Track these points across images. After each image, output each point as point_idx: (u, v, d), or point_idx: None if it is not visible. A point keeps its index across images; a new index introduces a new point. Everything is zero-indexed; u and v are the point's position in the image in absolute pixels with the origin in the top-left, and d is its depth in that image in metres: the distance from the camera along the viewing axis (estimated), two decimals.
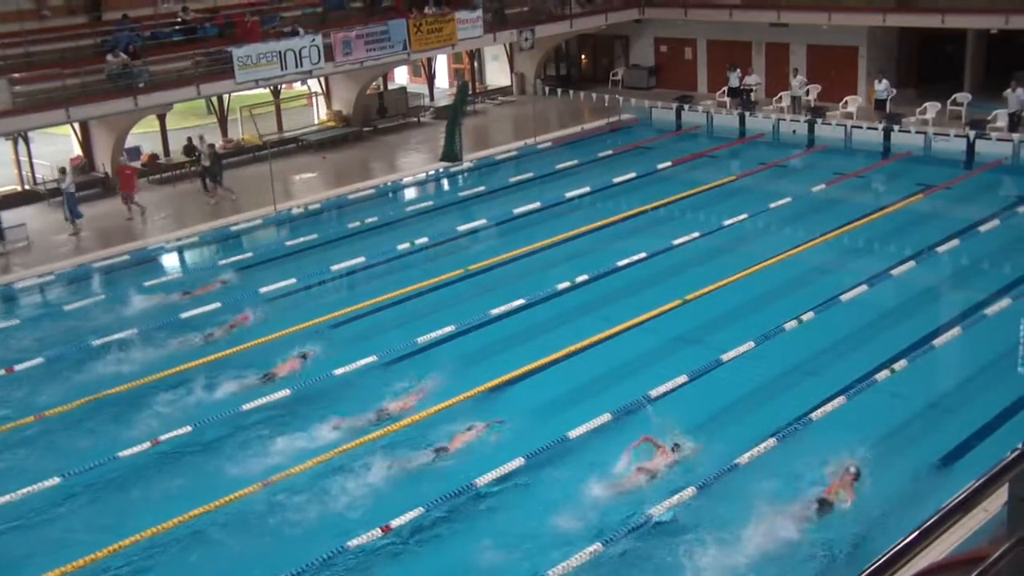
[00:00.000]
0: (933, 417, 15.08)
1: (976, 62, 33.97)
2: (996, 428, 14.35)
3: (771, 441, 13.90)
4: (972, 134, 29.58)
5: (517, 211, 25.90)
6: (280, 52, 29.51)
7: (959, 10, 32.04)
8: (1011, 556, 3.66)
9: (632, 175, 28.91)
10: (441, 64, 42.54)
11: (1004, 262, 21.58)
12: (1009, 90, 29.82)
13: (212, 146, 28.82)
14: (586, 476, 13.35)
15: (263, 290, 21.05)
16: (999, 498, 3.96)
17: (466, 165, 30.99)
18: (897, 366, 16.17)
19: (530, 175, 29.61)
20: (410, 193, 29.80)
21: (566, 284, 20.65)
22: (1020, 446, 3.83)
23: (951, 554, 4.94)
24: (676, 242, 22.99)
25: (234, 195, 27.80)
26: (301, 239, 24.67)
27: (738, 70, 35.90)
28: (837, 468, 12.88)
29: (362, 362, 17.26)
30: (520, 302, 19.77)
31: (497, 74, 42.15)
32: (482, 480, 13.37)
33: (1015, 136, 29.12)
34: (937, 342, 17.12)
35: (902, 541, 3.48)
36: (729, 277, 20.58)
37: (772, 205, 25.48)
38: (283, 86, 34.73)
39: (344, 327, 19.25)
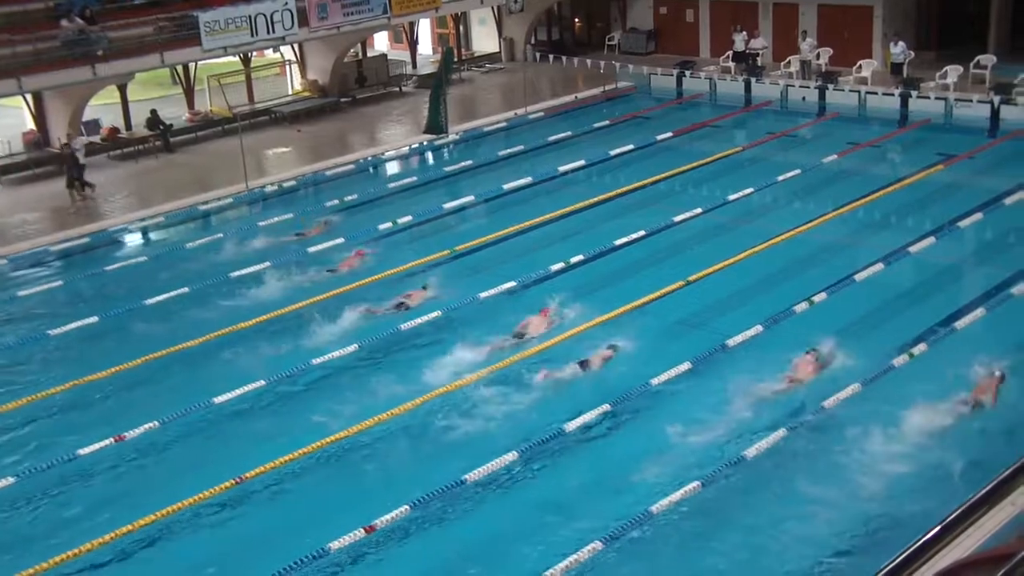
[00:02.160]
0: None
1: (1001, 21, 33.90)
2: None
3: None
4: (997, 100, 29.60)
5: (507, 187, 25.87)
6: (250, 17, 29.37)
7: None
8: None
9: (630, 147, 28.88)
10: (424, 29, 42.45)
11: None
12: None
13: (68, 145, 26.90)
14: None
15: (233, 275, 21.00)
16: None
17: (452, 137, 30.92)
18: (916, 350, 16.23)
19: (521, 148, 29.56)
20: (392, 168, 29.74)
21: (560, 265, 20.64)
22: None
23: (977, 551, 4.93)
24: (678, 219, 22.97)
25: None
26: (275, 219, 24.60)
27: (743, 33, 35.85)
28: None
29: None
30: (510, 284, 19.76)
31: (484, 40, 42.03)
32: None
33: None
34: (958, 324, 17.14)
35: (923, 537, 3.47)
36: (735, 256, 20.58)
37: (781, 178, 25.47)
38: (254, 54, 34.58)
39: (320, 309, 19.19)
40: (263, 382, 16.30)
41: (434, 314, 18.55)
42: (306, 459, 14.30)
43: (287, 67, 36.34)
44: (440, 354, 16.97)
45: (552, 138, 30.25)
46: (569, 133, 30.66)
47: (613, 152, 28.51)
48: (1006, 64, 32.01)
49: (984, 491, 3.50)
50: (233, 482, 13.57)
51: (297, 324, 18.63)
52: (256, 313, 18.96)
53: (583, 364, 16.27)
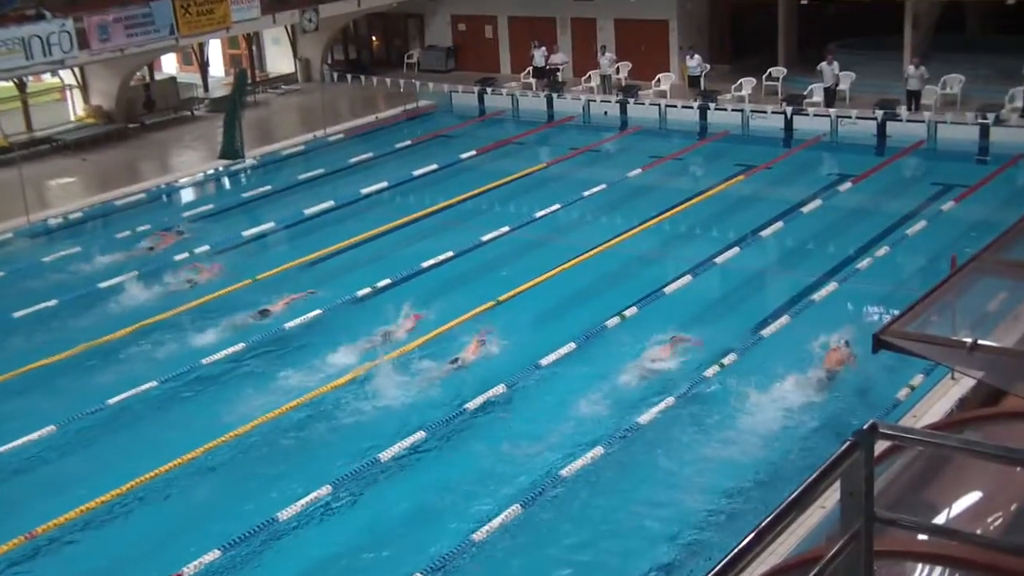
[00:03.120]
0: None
1: (788, 35, 35.62)
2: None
3: None
4: (789, 110, 31.06)
5: (308, 211, 25.62)
6: (23, 39, 28.18)
7: None
8: (845, 554, 3.85)
9: (434, 167, 29.03)
10: (215, 50, 41.67)
11: (828, 243, 22.72)
12: (824, 63, 31.43)
13: None
14: None
15: (17, 315, 20.12)
16: (836, 493, 4.14)
17: (248, 162, 30.44)
18: (726, 360, 16.83)
19: (321, 171, 29.34)
20: (187, 196, 29.10)
21: (366, 290, 20.55)
22: (851, 438, 4.02)
23: (790, 556, 5.15)
24: (485, 238, 23.22)
25: None
26: (61, 253, 23.70)
27: (543, 48, 36.55)
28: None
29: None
30: (317, 312, 19.57)
31: (279, 60, 41.57)
32: None
33: (832, 111, 30.71)
34: (765, 332, 17.87)
35: (738, 545, 3.60)
36: (544, 273, 20.91)
37: (586, 193, 26.06)
38: (30, 78, 33.26)
39: (110, 347, 18.60)
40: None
41: (237, 347, 18.24)
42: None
43: (68, 92, 35.08)
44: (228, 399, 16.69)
45: (353, 160, 30.14)
46: (371, 154, 30.61)
47: (417, 172, 28.61)
48: (796, 76, 33.65)
49: (795, 495, 3.68)
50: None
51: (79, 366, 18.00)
52: (41, 355, 18.23)
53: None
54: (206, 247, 23.49)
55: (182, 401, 16.94)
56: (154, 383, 17.11)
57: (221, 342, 18.59)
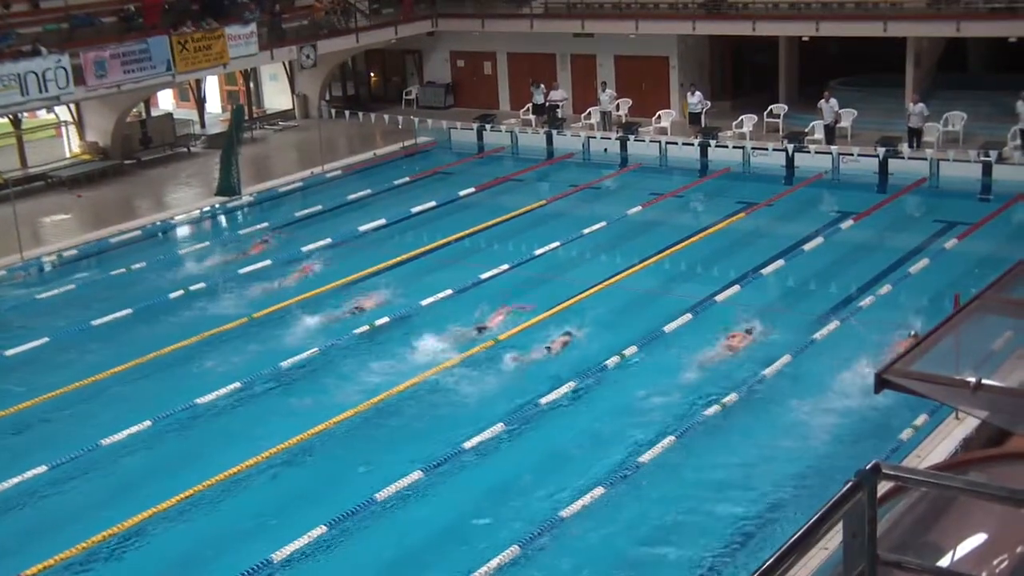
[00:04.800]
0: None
1: (790, 71, 35.87)
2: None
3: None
4: (790, 148, 31.18)
5: (306, 249, 25.65)
6: (19, 75, 28.32)
7: (769, 16, 33.82)
8: None
9: (432, 204, 29.12)
10: (212, 86, 41.86)
11: (830, 281, 22.75)
12: (823, 100, 31.60)
13: None
14: None
15: (9, 353, 20.12)
16: (839, 535, 4.14)
17: (246, 199, 30.51)
18: (727, 400, 16.83)
19: (319, 208, 29.42)
20: (183, 233, 29.13)
21: (364, 328, 20.55)
22: (853, 478, 4.04)
23: None
24: (484, 276, 23.25)
25: None
26: (56, 291, 23.73)
27: (542, 85, 36.73)
28: None
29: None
30: (313, 351, 19.59)
31: (276, 96, 41.77)
32: None
33: (833, 148, 30.84)
34: (767, 372, 17.87)
35: None
36: (543, 313, 20.91)
37: (586, 231, 26.12)
38: (25, 115, 33.39)
39: (102, 386, 18.59)
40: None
41: (232, 386, 18.24)
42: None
43: (63, 128, 35.22)
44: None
45: (352, 197, 30.22)
46: (369, 191, 30.69)
47: (415, 209, 28.68)
48: (797, 113, 33.83)
49: (796, 536, 3.67)
50: None
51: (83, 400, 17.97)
52: (35, 394, 18.21)
53: None
54: (202, 284, 23.50)
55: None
56: (148, 423, 17.10)
57: (213, 384, 18.56)
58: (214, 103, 42.18)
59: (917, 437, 14.74)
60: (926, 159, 29.52)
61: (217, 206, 30.19)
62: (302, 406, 17.78)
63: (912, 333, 17.37)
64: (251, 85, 41.48)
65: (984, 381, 6.29)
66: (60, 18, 32.35)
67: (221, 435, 17.03)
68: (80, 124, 34.71)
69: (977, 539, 5.19)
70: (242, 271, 24.46)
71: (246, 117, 36.76)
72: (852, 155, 30.42)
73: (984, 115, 31.65)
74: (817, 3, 33.02)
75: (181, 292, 23.12)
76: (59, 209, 30.23)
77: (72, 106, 33.51)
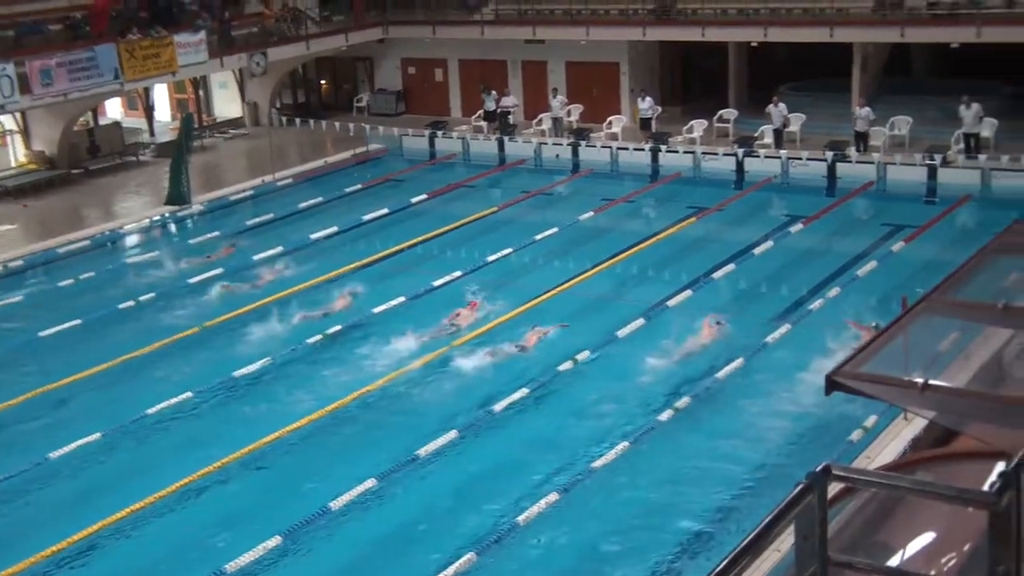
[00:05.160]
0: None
1: (739, 76, 36.14)
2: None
3: None
4: (740, 152, 31.40)
5: (256, 257, 25.48)
6: None
7: (718, 23, 34.06)
8: None
9: (384, 211, 29.05)
10: (161, 94, 41.52)
11: (781, 285, 22.92)
12: (772, 105, 31.85)
13: None
14: None
15: None
16: (791, 537, 4.17)
17: (196, 208, 30.28)
18: (680, 404, 16.91)
19: (270, 216, 29.26)
20: (132, 242, 28.85)
21: (317, 337, 20.45)
22: (804, 481, 4.07)
23: None
24: (437, 283, 23.21)
25: None
26: (1, 302, 23.43)
27: (493, 92, 36.74)
28: None
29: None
30: (266, 360, 19.46)
31: (226, 104, 41.50)
32: None
33: (782, 153, 31.11)
34: (720, 375, 17.97)
35: None
36: (497, 319, 20.91)
37: (538, 236, 26.16)
38: None
39: (51, 398, 18.37)
40: None
41: (184, 396, 18.07)
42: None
43: (8, 137, 34.77)
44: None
45: (303, 205, 30.08)
46: (320, 199, 30.56)
47: (367, 217, 28.59)
48: (746, 117, 34.08)
49: (748, 539, 3.69)
50: None
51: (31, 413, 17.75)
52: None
53: None
54: (152, 295, 23.28)
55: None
56: (98, 435, 16.91)
57: (164, 394, 18.41)
58: (163, 111, 41.84)
59: (867, 438, 14.86)
60: (873, 163, 29.84)
61: (167, 215, 29.94)
62: (255, 415, 17.67)
63: (874, 324, 17.64)
64: (201, 93, 41.16)
65: (931, 382, 6.38)
66: (6, 25, 31.96)
67: (173, 446, 16.86)
68: (26, 133, 34.29)
69: (926, 538, 5.25)
70: (193, 280, 24.26)
71: (196, 125, 36.50)
72: (801, 159, 30.70)
73: (929, 119, 32.05)
74: (765, 9, 33.31)
75: (131, 303, 22.87)
76: (4, 219, 29.84)
77: (18, 115, 33.10)
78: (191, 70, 34.63)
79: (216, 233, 27.90)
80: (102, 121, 38.20)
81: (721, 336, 19.57)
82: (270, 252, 25.76)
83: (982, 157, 29.04)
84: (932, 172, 29.02)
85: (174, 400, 17.98)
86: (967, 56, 32.15)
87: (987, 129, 29.77)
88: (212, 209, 30.54)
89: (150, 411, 17.63)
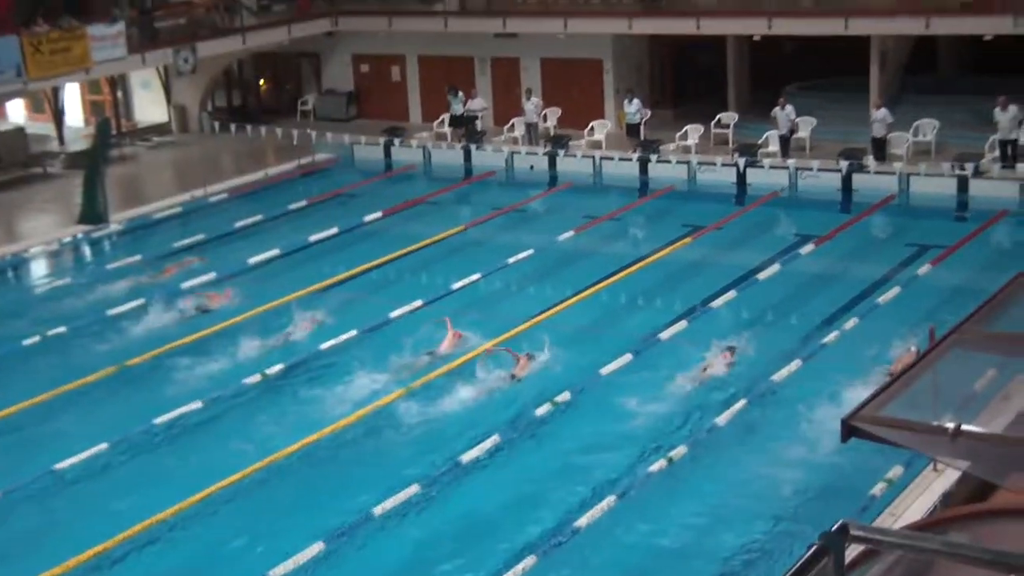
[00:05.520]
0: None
1: (740, 75, 36.35)
2: None
3: None
4: (742, 162, 31.54)
5: (186, 285, 25.38)
6: None
7: (716, 13, 34.32)
8: None
9: (334, 231, 29.00)
10: (72, 96, 41.39)
11: (790, 314, 22.99)
12: (778, 108, 32.04)
13: None
14: None
15: None
16: None
17: (114, 227, 30.16)
18: (674, 454, 16.90)
19: (202, 237, 29.16)
20: (38, 268, 28.71)
21: (256, 377, 20.36)
22: (818, 542, 4.05)
23: None
24: (394, 314, 23.15)
25: None
26: None
27: (461, 93, 36.78)
28: None
29: None
30: (197, 405, 19.35)
31: (150, 107, 41.44)
32: None
33: (790, 163, 31.26)
34: (719, 420, 17.98)
35: None
36: (463, 357, 20.86)
37: (511, 260, 26.17)
38: None
39: None
40: None
41: (99, 447, 17.96)
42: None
43: None
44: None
45: (240, 224, 30.00)
46: (260, 217, 30.49)
47: (313, 238, 28.54)
48: (749, 122, 34.24)
49: None
50: None
51: None
52: None
53: None
54: (62, 328, 23.14)
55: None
56: None
57: (75, 447, 18.25)
58: (75, 115, 41.69)
59: (891, 492, 14.90)
60: (895, 174, 30.03)
61: (80, 236, 29.79)
62: (181, 468, 17.55)
63: (912, 349, 18.25)
64: (119, 94, 41.07)
65: (964, 427, 6.37)
66: None
67: (83, 509, 16.72)
68: None
69: None
70: (112, 312, 24.12)
71: (113, 132, 36.40)
72: (811, 170, 30.86)
73: (958, 123, 32.33)
74: None
75: (37, 338, 22.73)
76: None
77: None
78: (107, 67, 34.55)
79: (138, 256, 27.79)
80: (2, 127, 38.04)
81: (722, 373, 19.59)
82: (202, 279, 25.67)
83: (1021, 167, 29.20)
84: (963, 184, 29.21)
85: (85, 454, 17.81)
86: (1001, 50, 32.42)
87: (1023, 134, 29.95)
88: (133, 229, 30.42)
89: (58, 467, 17.46)
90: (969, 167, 29.25)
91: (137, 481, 17.37)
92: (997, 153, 29.87)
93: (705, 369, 19.63)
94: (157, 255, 27.72)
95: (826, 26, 32.77)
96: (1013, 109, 29.37)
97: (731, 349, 20.12)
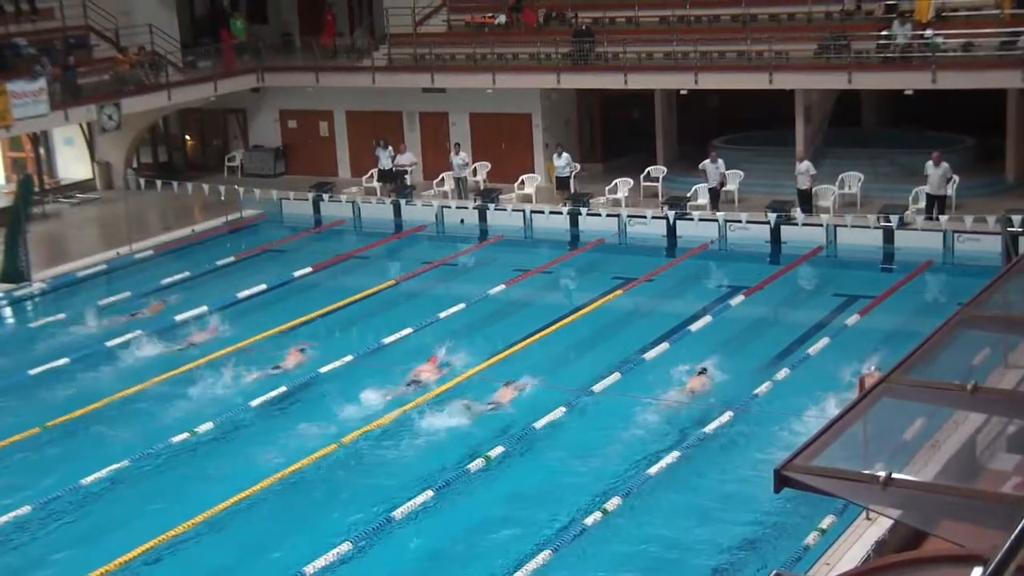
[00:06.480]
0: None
1: (668, 129, 36.72)
2: None
3: None
4: (671, 215, 31.77)
5: (111, 344, 25.07)
6: None
7: (643, 68, 34.64)
8: None
9: (262, 287, 28.83)
10: None
11: (722, 366, 23.05)
12: (708, 161, 32.37)
13: None
14: None
15: None
16: None
17: (36, 286, 29.79)
18: (610, 505, 16.87)
19: (127, 295, 28.85)
20: None
21: (183, 436, 20.10)
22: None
23: None
24: (323, 370, 23.00)
25: None
26: None
27: (389, 146, 36.80)
28: None
29: None
30: (123, 463, 19.07)
31: (73, 164, 41.07)
32: None
33: (719, 215, 31.53)
34: (652, 471, 17.98)
35: None
36: (392, 413, 20.73)
37: (442, 314, 26.13)
38: None
39: None
40: None
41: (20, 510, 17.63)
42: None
43: None
44: None
45: (166, 281, 29.73)
46: (187, 274, 30.27)
47: (242, 294, 28.34)
48: (677, 175, 34.60)
49: None
50: None
51: None
52: None
53: None
54: None
55: None
56: None
57: None
58: None
59: (824, 541, 14.94)
60: (822, 225, 30.38)
61: (0, 295, 29.37)
62: (101, 542, 17.20)
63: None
64: (41, 151, 40.67)
65: (895, 475, 6.40)
66: None
67: None
68: None
69: None
70: (33, 372, 23.76)
71: (36, 188, 35.98)
72: (740, 222, 31.17)
73: (883, 175, 32.88)
74: (695, 53, 33.89)
75: None
76: None
77: None
78: (29, 124, 34.20)
79: (61, 315, 27.44)
80: None
81: (653, 426, 19.62)
82: (127, 336, 25.36)
83: (944, 218, 29.62)
84: (888, 235, 29.59)
85: (7, 517, 17.49)
86: (922, 105, 33.03)
87: (951, 189, 30.39)
88: (56, 287, 30.07)
89: None
90: (894, 219, 29.64)
91: (53, 554, 17.03)
92: (921, 204, 30.29)
93: (634, 420, 19.65)
94: (80, 314, 27.39)
95: (751, 80, 33.22)
96: (945, 166, 29.79)
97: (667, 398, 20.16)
